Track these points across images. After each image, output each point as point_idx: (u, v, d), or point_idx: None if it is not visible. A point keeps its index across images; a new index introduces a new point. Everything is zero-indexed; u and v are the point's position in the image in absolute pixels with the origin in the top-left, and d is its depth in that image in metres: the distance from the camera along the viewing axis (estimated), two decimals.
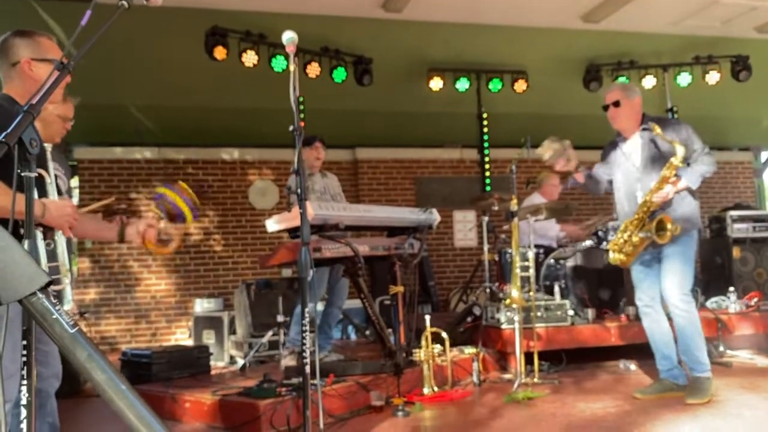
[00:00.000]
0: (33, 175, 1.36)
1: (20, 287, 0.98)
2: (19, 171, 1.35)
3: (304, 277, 2.16)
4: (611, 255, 4.10)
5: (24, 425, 1.27)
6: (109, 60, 6.14)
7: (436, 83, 8.03)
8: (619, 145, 4.11)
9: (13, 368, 2.07)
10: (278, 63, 7.02)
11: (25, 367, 1.28)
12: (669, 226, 3.72)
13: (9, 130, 1.29)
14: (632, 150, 4.02)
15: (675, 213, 3.82)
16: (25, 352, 1.30)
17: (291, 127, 2.33)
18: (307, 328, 2.17)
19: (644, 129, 3.93)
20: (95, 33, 1.55)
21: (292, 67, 2.36)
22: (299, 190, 2.24)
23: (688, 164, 3.83)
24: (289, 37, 2.40)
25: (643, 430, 3.28)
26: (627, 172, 4.04)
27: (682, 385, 3.94)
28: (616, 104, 3.97)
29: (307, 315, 2.14)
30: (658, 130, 3.74)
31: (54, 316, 1.00)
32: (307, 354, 2.15)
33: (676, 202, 3.85)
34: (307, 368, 2.15)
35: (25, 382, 1.28)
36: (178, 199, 2.41)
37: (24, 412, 1.27)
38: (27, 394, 1.28)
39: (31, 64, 2.18)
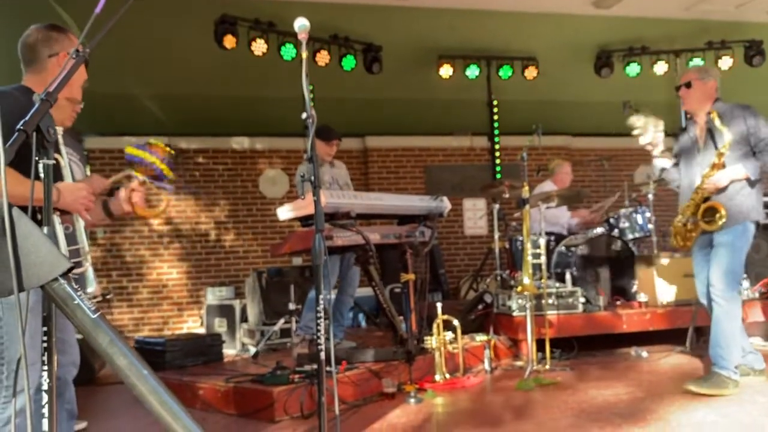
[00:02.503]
0: (51, 162, 1.36)
1: (42, 273, 0.99)
2: (36, 158, 1.35)
3: (318, 264, 2.16)
4: (671, 238, 4.04)
5: (45, 410, 1.28)
6: (119, 50, 6.16)
7: (445, 71, 8.00)
8: (688, 128, 4.02)
9: (34, 355, 2.09)
10: (287, 51, 7.01)
11: (46, 354, 1.29)
12: (718, 213, 3.64)
13: (27, 118, 1.30)
14: (698, 135, 3.92)
15: (730, 202, 3.70)
16: (45, 339, 1.31)
17: (304, 115, 2.32)
18: (322, 315, 2.17)
19: (708, 113, 3.81)
20: (107, 22, 1.56)
21: (304, 55, 2.35)
22: (313, 178, 2.24)
23: (754, 153, 3.71)
24: (301, 24, 2.39)
25: (657, 416, 3.28)
26: (690, 157, 3.95)
27: (759, 369, 3.89)
28: (688, 85, 3.87)
29: (321, 302, 2.15)
30: (714, 115, 3.68)
31: (75, 302, 1.01)
32: (322, 341, 2.16)
33: (733, 190, 3.71)
34: (322, 355, 2.15)
35: (45, 368, 1.30)
36: (155, 159, 2.36)
37: (45, 398, 1.28)
38: (48, 380, 1.29)
39: (65, 58, 2.21)
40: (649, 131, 3.96)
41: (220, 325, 6.57)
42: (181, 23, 6.73)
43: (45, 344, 1.29)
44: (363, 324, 7.28)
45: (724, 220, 3.65)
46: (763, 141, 3.69)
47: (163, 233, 8.29)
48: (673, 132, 8.16)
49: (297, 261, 8.06)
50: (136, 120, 7.95)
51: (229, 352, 5.94)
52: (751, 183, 3.74)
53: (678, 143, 4.12)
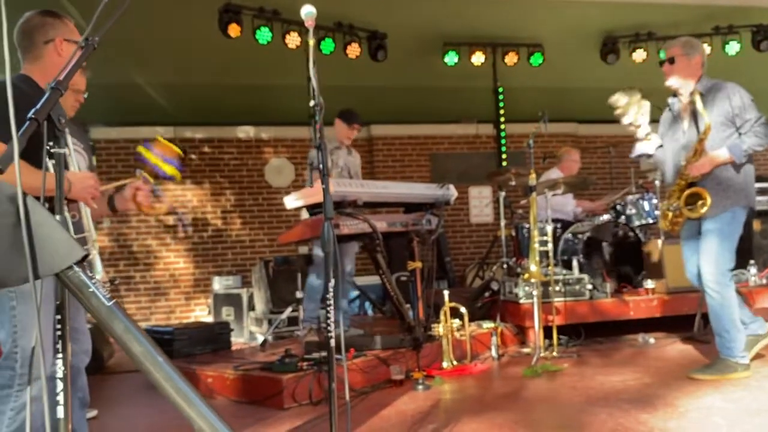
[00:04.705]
0: (63, 151, 1.37)
1: (57, 261, 0.99)
2: (49, 147, 1.35)
3: (327, 252, 2.17)
4: (660, 221, 3.93)
5: (60, 398, 1.29)
6: (123, 39, 6.14)
7: (451, 58, 7.96)
8: (672, 106, 3.87)
9: (47, 344, 2.11)
10: (292, 40, 6.98)
11: (60, 342, 1.30)
12: (701, 200, 3.54)
13: (38, 107, 1.30)
14: (682, 113, 3.78)
15: (717, 187, 3.56)
16: (59, 327, 1.31)
17: (312, 102, 2.32)
18: (332, 302, 2.18)
19: (692, 93, 3.66)
20: (113, 11, 1.56)
21: (311, 42, 2.34)
22: (321, 166, 2.24)
23: (740, 134, 3.57)
24: (308, 11, 2.38)
25: (664, 401, 3.28)
26: (674, 137, 3.81)
27: (763, 334, 3.80)
28: (671, 61, 3.72)
29: (331, 289, 2.16)
30: (696, 96, 3.56)
31: (90, 290, 1.02)
32: (332, 328, 2.17)
33: (718, 174, 3.57)
34: (332, 342, 2.16)
35: (60, 356, 1.30)
36: (158, 160, 2.34)
37: (60, 385, 1.29)
38: (63, 368, 1.30)
39: (62, 44, 2.21)
40: (630, 112, 3.79)
41: (227, 314, 6.60)
42: (186, 12, 6.70)
43: (59, 332, 1.30)
44: (369, 312, 7.30)
45: (706, 207, 3.54)
46: (749, 122, 3.53)
47: (171, 223, 8.31)
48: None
49: (303, 250, 8.08)
50: (142, 110, 7.97)
51: (237, 340, 5.97)
52: (737, 167, 3.59)
53: (662, 123, 3.97)
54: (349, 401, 2.26)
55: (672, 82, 3.78)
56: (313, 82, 2.32)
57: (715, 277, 3.60)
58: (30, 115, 1.29)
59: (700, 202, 3.59)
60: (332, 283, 2.07)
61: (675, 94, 3.85)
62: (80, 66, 1.47)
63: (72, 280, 0.99)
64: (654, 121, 3.92)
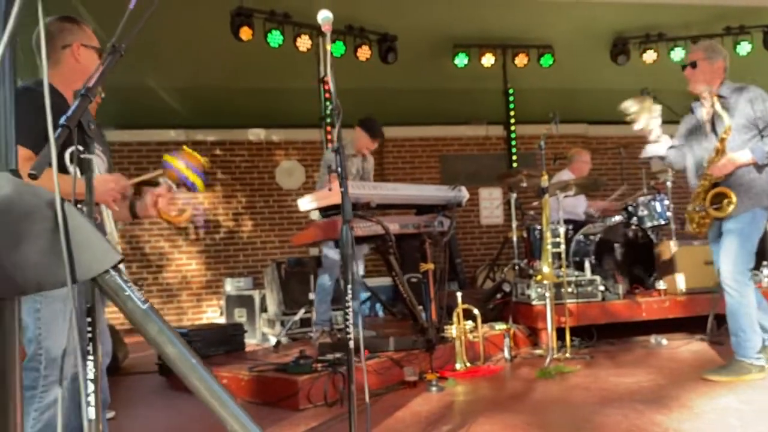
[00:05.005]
0: (92, 156, 1.39)
1: (94, 265, 1.02)
2: (79, 152, 1.38)
3: (346, 254, 2.19)
4: (687, 225, 3.94)
5: (91, 398, 1.31)
6: (136, 43, 6.17)
7: (461, 59, 7.98)
8: (695, 110, 3.90)
9: (73, 345, 2.14)
10: (303, 43, 7.02)
11: (91, 343, 1.33)
12: (726, 199, 3.57)
13: (69, 114, 1.33)
14: (704, 117, 3.81)
15: (739, 187, 3.60)
16: (89, 329, 1.34)
17: (330, 107, 2.34)
18: (351, 304, 2.20)
19: (712, 96, 3.69)
20: (137, 18, 1.58)
21: (328, 47, 2.37)
22: (339, 169, 2.27)
23: (762, 136, 3.59)
24: (324, 16, 2.41)
25: (679, 403, 3.29)
26: (698, 141, 3.84)
27: None
28: (693, 65, 3.75)
29: (350, 291, 2.18)
30: (715, 100, 3.60)
31: (126, 293, 1.04)
32: (351, 329, 2.19)
33: (741, 175, 3.61)
34: (351, 344, 2.19)
35: (90, 357, 1.33)
36: (184, 168, 2.36)
37: (91, 387, 1.32)
38: (93, 369, 1.32)
39: (79, 49, 2.24)
40: (642, 118, 3.83)
41: (239, 315, 6.64)
42: (198, 16, 6.75)
43: (89, 335, 1.32)
44: (380, 313, 7.32)
45: (733, 206, 3.57)
46: None
47: (183, 225, 8.36)
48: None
49: (314, 251, 8.11)
50: (154, 113, 8.02)
51: (250, 341, 6.00)
52: (759, 168, 3.61)
53: (684, 124, 3.99)
54: (369, 403, 2.28)
55: (695, 86, 3.81)
56: (332, 86, 2.34)
57: (733, 275, 3.63)
58: (62, 121, 1.32)
59: (725, 201, 3.61)
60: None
61: (698, 98, 3.87)
62: (106, 72, 1.50)
63: (108, 283, 1.01)
64: (666, 122, 3.93)
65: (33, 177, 1.10)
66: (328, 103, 7.05)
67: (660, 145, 3.95)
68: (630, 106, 3.85)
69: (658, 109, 3.83)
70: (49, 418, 2.06)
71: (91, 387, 1.31)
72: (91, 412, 1.32)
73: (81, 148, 1.36)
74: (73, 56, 2.27)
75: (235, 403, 1.06)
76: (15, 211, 0.98)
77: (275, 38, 6.89)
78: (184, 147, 2.35)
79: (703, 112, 3.84)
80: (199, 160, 2.31)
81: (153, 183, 2.37)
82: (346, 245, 2.18)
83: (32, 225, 0.99)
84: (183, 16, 6.62)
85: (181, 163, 2.27)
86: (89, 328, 1.32)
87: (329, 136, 7.02)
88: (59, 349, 2.08)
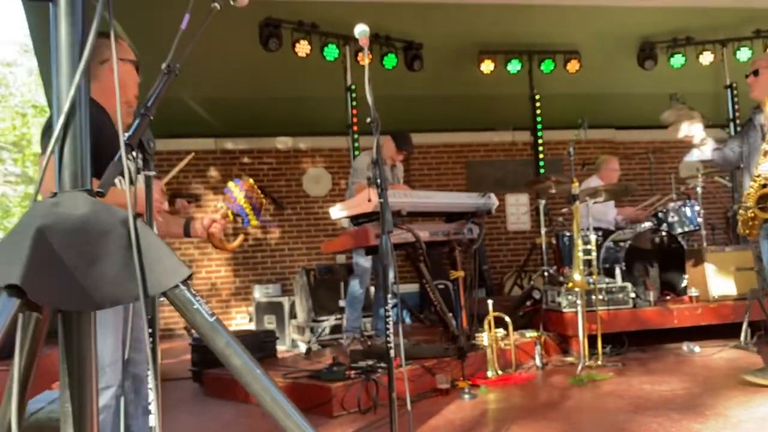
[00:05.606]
0: (152, 173, 1.45)
1: (166, 280, 1.07)
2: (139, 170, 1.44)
3: (386, 264, 2.23)
4: (738, 226, 4.00)
5: (152, 407, 1.36)
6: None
7: (486, 66, 8.00)
8: (754, 116, 3.97)
9: (116, 355, 2.20)
10: (330, 52, 7.09)
11: (151, 354, 1.38)
12: None
13: (131, 132, 1.39)
14: (764, 123, 3.86)
15: None
16: (151, 340, 1.39)
17: (368, 119, 2.39)
18: (391, 313, 2.24)
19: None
20: (186, 38, 1.65)
21: (367, 60, 2.42)
22: (378, 180, 2.31)
23: None
24: (361, 30, 2.46)
25: (715, 411, 3.27)
26: (754, 145, 3.90)
27: None
28: (756, 73, 3.84)
29: (390, 301, 2.21)
30: (766, 104, 3.66)
31: (195, 306, 1.09)
32: (391, 337, 2.23)
33: None
34: (392, 352, 2.22)
35: (150, 366, 1.38)
36: (243, 199, 2.40)
37: (152, 395, 1.37)
38: (154, 380, 1.38)
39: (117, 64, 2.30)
40: (682, 126, 3.90)
41: (269, 322, 6.70)
42: (227, 28, 6.85)
43: (151, 345, 1.37)
44: (407, 320, 7.34)
45: None
46: None
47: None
48: (719, 123, 7.96)
49: (341, 259, 8.17)
50: (184, 122, 8.14)
51: (279, 348, 6.06)
52: None
53: (744, 131, 4.06)
54: (410, 410, 2.31)
55: (756, 93, 3.88)
56: (369, 98, 2.38)
57: None
58: (125, 140, 1.37)
59: None
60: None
61: (758, 106, 3.93)
62: (163, 92, 1.55)
63: (178, 297, 1.06)
64: (707, 126, 3.98)
65: (100, 195, 1.15)
66: (354, 111, 7.13)
67: (705, 148, 4.03)
68: (669, 116, 3.91)
69: (697, 114, 3.88)
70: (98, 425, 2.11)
71: (152, 395, 1.36)
72: (152, 420, 1.38)
73: (142, 165, 1.42)
74: (110, 70, 2.31)
75: (299, 412, 1.10)
76: (93, 230, 1.03)
77: (303, 48, 6.97)
78: (250, 180, 2.39)
79: (761, 117, 3.88)
80: (259, 196, 2.34)
81: (182, 195, 2.42)
82: (386, 255, 2.21)
83: (108, 243, 1.03)
84: (212, 28, 6.70)
85: (241, 194, 2.31)
86: (150, 339, 1.38)
87: (356, 144, 7.09)
88: (108, 357, 2.14)
